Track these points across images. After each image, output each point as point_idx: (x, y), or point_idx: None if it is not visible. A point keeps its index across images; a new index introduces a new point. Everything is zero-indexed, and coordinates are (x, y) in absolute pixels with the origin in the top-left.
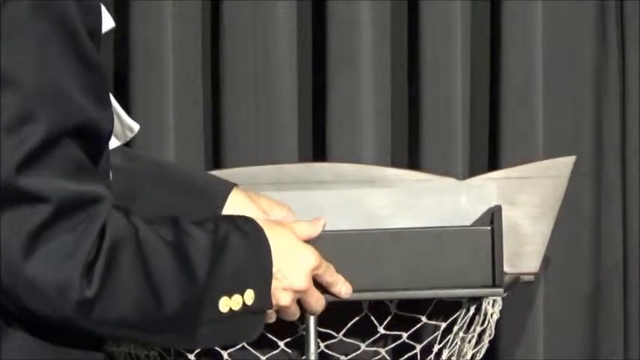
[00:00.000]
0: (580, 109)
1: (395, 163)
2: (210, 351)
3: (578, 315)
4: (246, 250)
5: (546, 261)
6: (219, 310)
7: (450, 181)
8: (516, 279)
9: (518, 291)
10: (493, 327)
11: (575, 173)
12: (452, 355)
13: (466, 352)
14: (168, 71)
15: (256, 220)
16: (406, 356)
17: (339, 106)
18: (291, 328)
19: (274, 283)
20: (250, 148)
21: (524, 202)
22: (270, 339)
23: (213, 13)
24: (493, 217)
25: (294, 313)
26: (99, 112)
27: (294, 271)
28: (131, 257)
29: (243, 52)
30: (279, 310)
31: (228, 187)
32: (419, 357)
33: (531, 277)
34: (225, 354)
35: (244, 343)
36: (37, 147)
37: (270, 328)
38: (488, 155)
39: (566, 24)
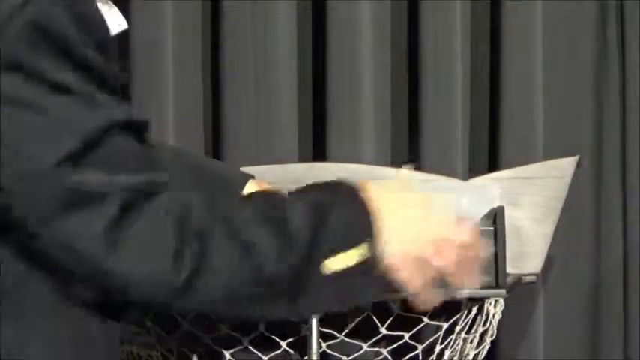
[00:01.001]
0: (580, 109)
1: (395, 163)
2: (212, 351)
3: (579, 315)
4: (349, 209)
5: (547, 261)
6: (322, 272)
7: (452, 182)
8: (518, 279)
9: (518, 291)
10: (495, 327)
11: (575, 173)
12: (454, 355)
13: (468, 353)
14: (168, 71)
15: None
16: (408, 356)
17: (339, 106)
18: (293, 329)
19: (385, 246)
20: (250, 148)
21: (527, 203)
22: (273, 339)
23: (213, 13)
24: (496, 217)
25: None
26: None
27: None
28: (222, 235)
29: (243, 52)
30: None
31: (245, 177)
32: (421, 357)
33: (533, 278)
34: (227, 354)
35: (247, 343)
36: (90, 145)
37: (272, 328)
38: (488, 155)
39: (566, 24)
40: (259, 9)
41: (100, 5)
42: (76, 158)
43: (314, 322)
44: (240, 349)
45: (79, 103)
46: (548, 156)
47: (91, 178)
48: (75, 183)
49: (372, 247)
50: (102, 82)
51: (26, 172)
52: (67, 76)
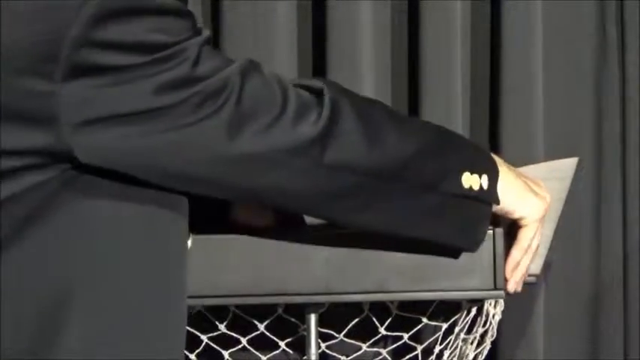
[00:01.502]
0: (580, 109)
1: None
2: (212, 351)
3: (579, 315)
4: (474, 143)
5: (547, 262)
6: (461, 184)
7: None
8: None
9: (518, 292)
10: (495, 328)
11: (575, 173)
12: (453, 356)
13: (468, 354)
14: None
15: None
16: (407, 357)
17: None
18: (292, 329)
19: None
20: None
21: None
22: (271, 339)
23: (213, 13)
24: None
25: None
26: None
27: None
28: (355, 112)
29: (243, 52)
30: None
31: None
32: (420, 358)
33: (533, 279)
34: (226, 354)
35: (245, 343)
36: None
37: (271, 328)
38: None
39: (566, 24)
40: (259, 9)
41: None
42: (185, 81)
43: (313, 321)
44: (238, 349)
45: (165, 49)
46: (548, 155)
47: (210, 79)
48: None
49: (495, 178)
50: (179, 22)
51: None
52: (147, 34)
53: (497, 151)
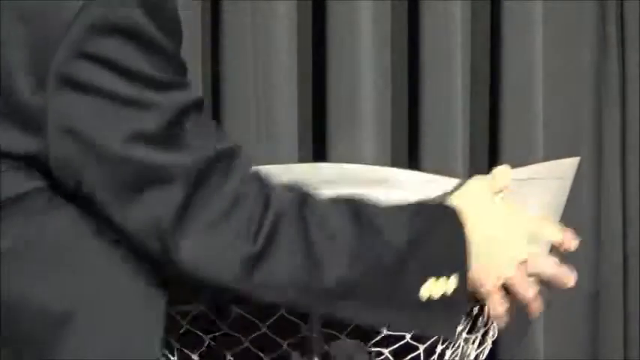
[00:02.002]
0: (580, 109)
1: (395, 163)
2: (213, 352)
3: (578, 315)
4: (447, 234)
5: None
6: (417, 298)
7: (454, 182)
8: None
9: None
10: (496, 328)
11: (575, 173)
12: (455, 356)
13: (469, 353)
14: None
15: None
16: (409, 357)
17: (339, 106)
18: (294, 329)
19: (481, 269)
20: (250, 148)
21: (529, 204)
22: (274, 339)
23: (213, 13)
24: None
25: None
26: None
27: (500, 259)
28: (297, 230)
29: (243, 52)
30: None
31: None
32: (422, 358)
33: None
34: (228, 354)
35: (248, 344)
36: (166, 126)
37: (272, 328)
38: (489, 155)
39: (566, 24)
40: (259, 9)
41: None
42: (150, 139)
43: (315, 321)
44: (241, 349)
45: (150, 87)
46: (548, 156)
47: (163, 156)
48: (146, 161)
49: (464, 277)
50: (171, 64)
51: (98, 153)
52: (137, 61)
53: (497, 151)
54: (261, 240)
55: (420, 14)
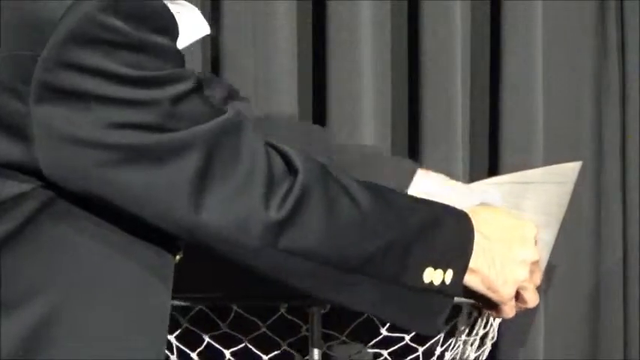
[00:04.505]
0: (580, 109)
1: None
2: (213, 351)
3: (578, 315)
4: (456, 231)
5: (547, 262)
6: (421, 279)
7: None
8: None
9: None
10: (496, 330)
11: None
12: (454, 358)
13: (468, 355)
14: None
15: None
16: (408, 358)
17: (339, 106)
18: (294, 329)
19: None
20: None
21: (529, 209)
22: (273, 339)
23: (213, 13)
24: None
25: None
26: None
27: (508, 262)
28: (326, 197)
29: (243, 52)
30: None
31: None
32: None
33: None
34: (227, 353)
35: (247, 344)
36: (166, 119)
37: (273, 328)
38: (489, 156)
39: (566, 24)
40: (259, 9)
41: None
42: (155, 128)
43: (315, 321)
44: (239, 349)
45: (139, 86)
46: (548, 156)
47: (169, 134)
48: (149, 141)
49: (463, 274)
50: (163, 58)
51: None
52: (118, 64)
53: (497, 151)
54: (288, 205)
55: (420, 14)
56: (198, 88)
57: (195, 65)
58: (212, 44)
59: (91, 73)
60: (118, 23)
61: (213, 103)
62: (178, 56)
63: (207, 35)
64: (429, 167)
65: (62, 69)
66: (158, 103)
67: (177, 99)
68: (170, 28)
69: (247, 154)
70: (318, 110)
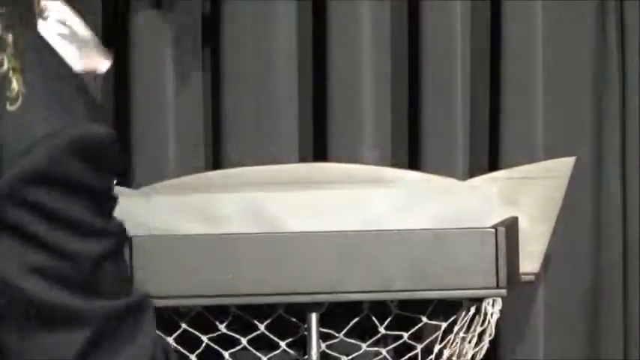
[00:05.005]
0: (580, 109)
1: (395, 163)
2: (212, 351)
3: (578, 315)
4: None
5: (546, 261)
6: None
7: (450, 182)
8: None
9: (518, 290)
10: (493, 327)
11: (575, 173)
12: (452, 355)
13: (467, 352)
14: (168, 71)
15: None
16: (407, 356)
17: (339, 106)
18: (292, 329)
19: None
20: (250, 149)
21: (525, 203)
22: (272, 339)
23: (213, 13)
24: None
25: None
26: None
27: None
28: None
29: (243, 52)
30: None
31: None
32: (420, 357)
33: (532, 277)
34: (226, 354)
35: (245, 343)
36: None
37: (271, 328)
38: (489, 155)
39: (566, 24)
40: (259, 9)
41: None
42: (64, 282)
43: (314, 321)
44: (239, 349)
45: (72, 234)
46: (548, 156)
47: (75, 301)
48: (58, 302)
49: None
50: (100, 207)
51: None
52: (63, 208)
53: (497, 151)
54: None
55: (420, 14)
56: (120, 249)
57: (196, 66)
58: (212, 44)
59: (44, 214)
60: (74, 167)
61: (126, 275)
62: (115, 203)
63: (208, 35)
64: (429, 167)
65: (15, 205)
66: (80, 258)
67: (100, 260)
68: (117, 172)
69: (138, 344)
70: (318, 110)
